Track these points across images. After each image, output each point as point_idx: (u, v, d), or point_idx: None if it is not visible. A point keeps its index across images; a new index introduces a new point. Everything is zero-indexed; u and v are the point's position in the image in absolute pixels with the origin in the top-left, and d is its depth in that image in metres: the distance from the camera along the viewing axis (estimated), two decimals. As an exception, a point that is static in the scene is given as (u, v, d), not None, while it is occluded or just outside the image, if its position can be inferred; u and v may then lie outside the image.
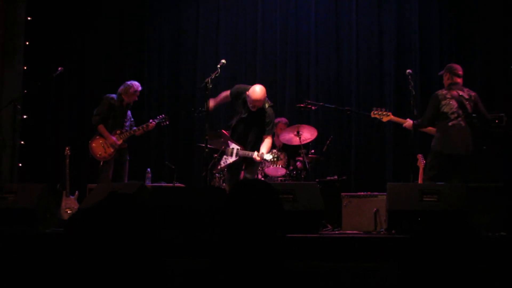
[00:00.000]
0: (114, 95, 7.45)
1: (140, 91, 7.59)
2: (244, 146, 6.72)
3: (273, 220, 2.05)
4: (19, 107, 7.85)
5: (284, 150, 8.04)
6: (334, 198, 7.06)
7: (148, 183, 7.91)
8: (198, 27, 9.74)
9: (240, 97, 6.77)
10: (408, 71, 6.89)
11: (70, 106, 9.38)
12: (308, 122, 8.57)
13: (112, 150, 7.28)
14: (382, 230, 6.27)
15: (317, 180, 7.60)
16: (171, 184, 7.88)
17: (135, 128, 7.47)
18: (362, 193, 7.30)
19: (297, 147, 7.84)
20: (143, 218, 1.98)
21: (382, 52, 9.32)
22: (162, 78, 9.72)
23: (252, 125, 6.73)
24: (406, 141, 8.63)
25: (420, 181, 6.80)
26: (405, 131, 8.59)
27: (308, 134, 7.82)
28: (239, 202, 2.07)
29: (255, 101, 6.58)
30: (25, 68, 9.06)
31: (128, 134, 7.37)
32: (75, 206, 7.39)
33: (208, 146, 6.50)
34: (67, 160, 7.74)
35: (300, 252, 4.31)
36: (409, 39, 9.22)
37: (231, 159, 6.70)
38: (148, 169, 8.22)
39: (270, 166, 7.66)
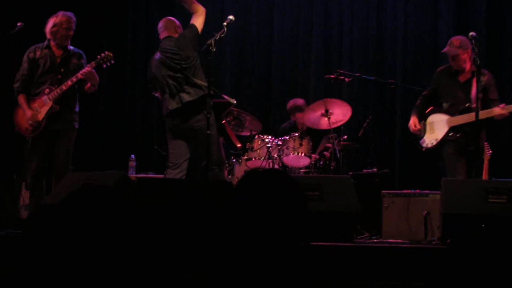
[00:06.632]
0: (38, 45, 6.94)
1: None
2: None
3: (294, 223, 2.04)
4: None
5: (308, 134, 7.99)
6: (373, 197, 7.10)
7: (132, 173, 7.95)
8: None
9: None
10: (471, 33, 6.85)
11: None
12: (340, 99, 8.52)
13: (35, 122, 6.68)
14: (434, 239, 6.29)
15: (350, 173, 7.61)
16: (161, 176, 7.90)
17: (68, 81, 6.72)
18: (409, 191, 7.29)
19: (325, 131, 7.81)
20: (124, 217, 1.97)
21: (437, 10, 9.25)
22: (149, 34, 9.63)
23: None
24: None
25: (484, 176, 6.80)
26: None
27: (339, 114, 7.78)
28: (250, 199, 2.06)
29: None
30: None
31: (58, 91, 6.67)
32: (38, 202, 7.42)
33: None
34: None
35: (328, 267, 4.30)
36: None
37: None
38: (132, 156, 8.24)
39: (290, 154, 7.60)
